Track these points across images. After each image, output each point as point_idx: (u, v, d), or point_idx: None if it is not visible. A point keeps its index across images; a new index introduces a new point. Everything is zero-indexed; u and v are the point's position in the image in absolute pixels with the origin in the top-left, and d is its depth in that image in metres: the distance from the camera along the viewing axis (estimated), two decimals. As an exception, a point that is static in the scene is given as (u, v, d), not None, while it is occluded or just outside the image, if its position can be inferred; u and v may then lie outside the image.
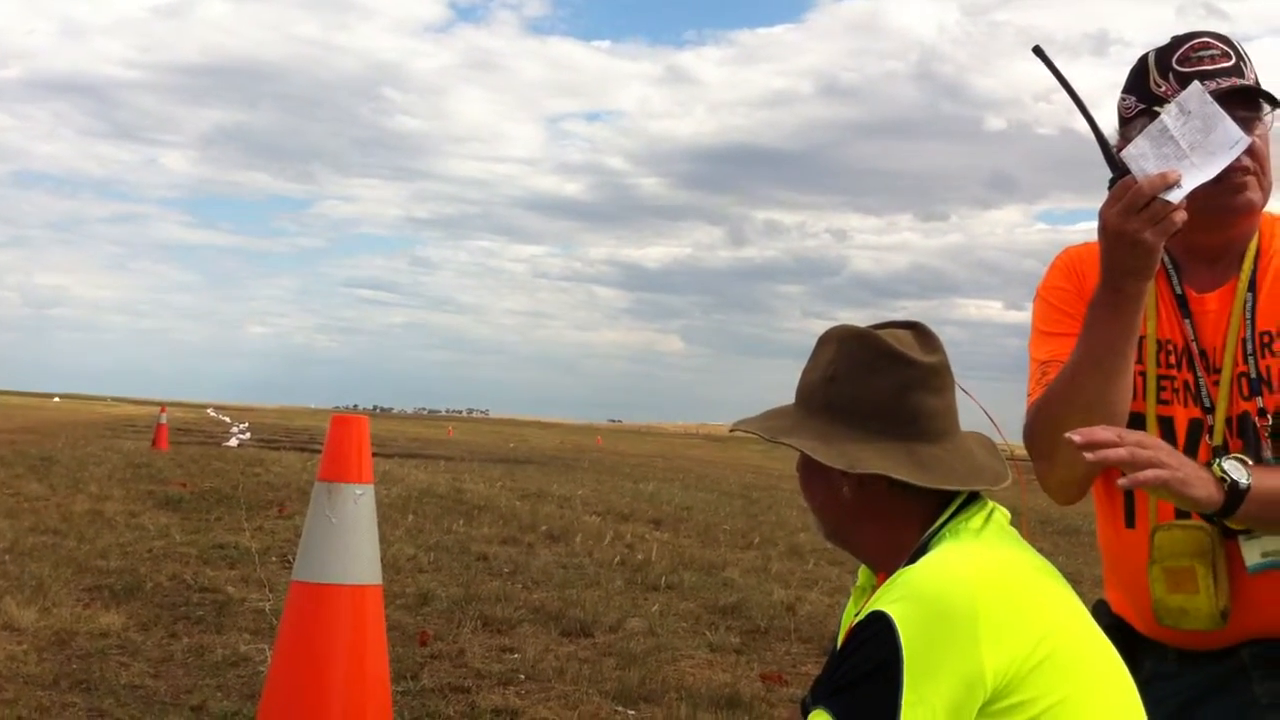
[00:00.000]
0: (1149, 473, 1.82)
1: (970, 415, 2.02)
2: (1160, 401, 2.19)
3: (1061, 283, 2.29)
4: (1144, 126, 2.05)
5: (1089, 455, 1.80)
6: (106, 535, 8.68)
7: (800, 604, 7.50)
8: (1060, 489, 2.14)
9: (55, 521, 9.29)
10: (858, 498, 1.91)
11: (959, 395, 2.00)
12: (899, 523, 1.91)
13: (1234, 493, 1.94)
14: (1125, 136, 2.11)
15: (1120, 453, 1.82)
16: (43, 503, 10.68)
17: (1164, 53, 2.15)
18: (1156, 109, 2.03)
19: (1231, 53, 2.09)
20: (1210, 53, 2.10)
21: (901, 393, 1.90)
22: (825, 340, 2.00)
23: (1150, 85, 2.15)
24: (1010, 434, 2.10)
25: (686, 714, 4.47)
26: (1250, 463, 2.03)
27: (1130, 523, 2.19)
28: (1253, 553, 2.08)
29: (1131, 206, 1.87)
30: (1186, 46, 2.12)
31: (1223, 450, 2.10)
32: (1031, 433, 2.13)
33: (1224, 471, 1.95)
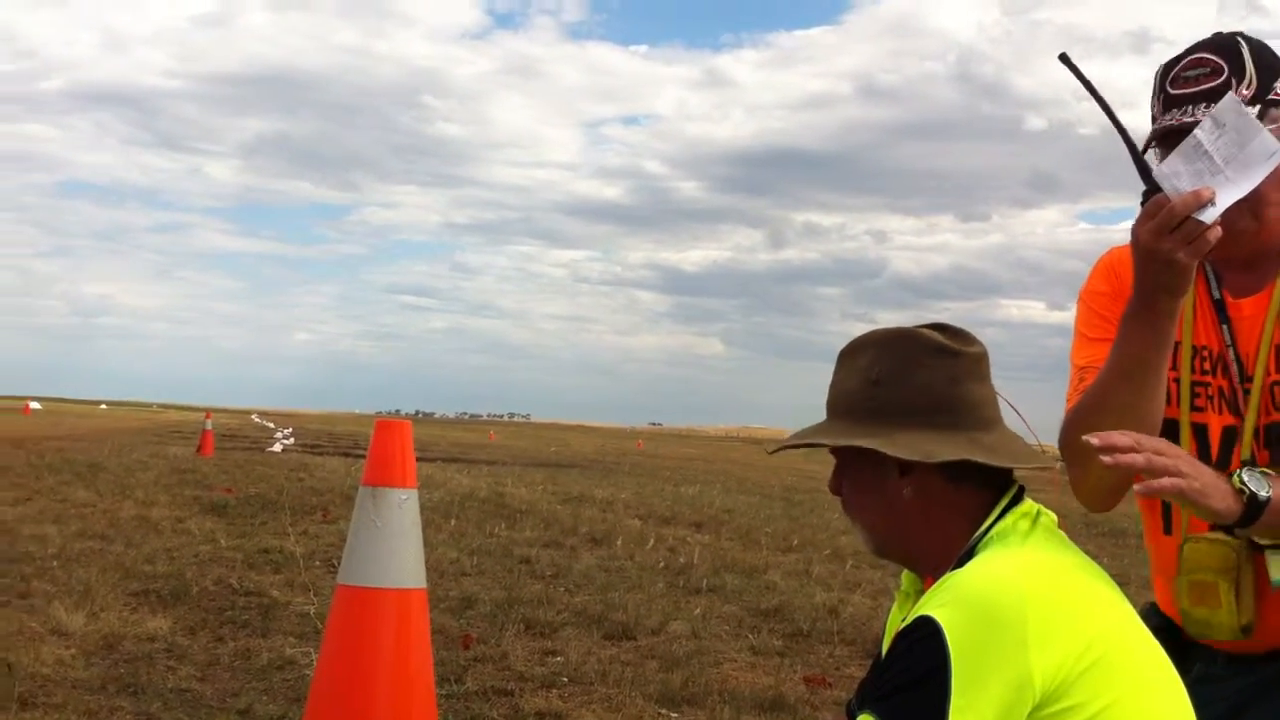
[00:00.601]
0: (1166, 481, 1.81)
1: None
2: (1194, 409, 2.17)
3: (1101, 286, 2.27)
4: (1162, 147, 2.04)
5: (1106, 460, 1.79)
6: (153, 540, 8.76)
7: (843, 607, 7.47)
8: (1093, 496, 2.12)
9: (102, 527, 9.38)
10: (917, 498, 1.90)
11: None
12: (952, 524, 1.90)
13: (1253, 504, 1.91)
14: (1156, 150, 2.09)
15: (1137, 459, 1.80)
16: (90, 509, 10.79)
17: (1165, 69, 2.12)
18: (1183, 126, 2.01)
19: (1225, 68, 2.04)
20: (1198, 72, 2.06)
21: (951, 383, 1.89)
22: (856, 348, 1.98)
23: (1150, 105, 2.14)
24: (1043, 434, 2.09)
25: (730, 716, 4.47)
26: (1273, 474, 2.01)
27: (1168, 529, 2.19)
28: (1278, 568, 2.07)
29: (1164, 226, 1.84)
30: (1180, 65, 2.09)
31: (1250, 462, 2.08)
32: (1064, 439, 2.12)
33: (1243, 483, 1.92)
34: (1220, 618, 2.10)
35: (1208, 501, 1.87)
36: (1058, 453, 2.08)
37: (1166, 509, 2.17)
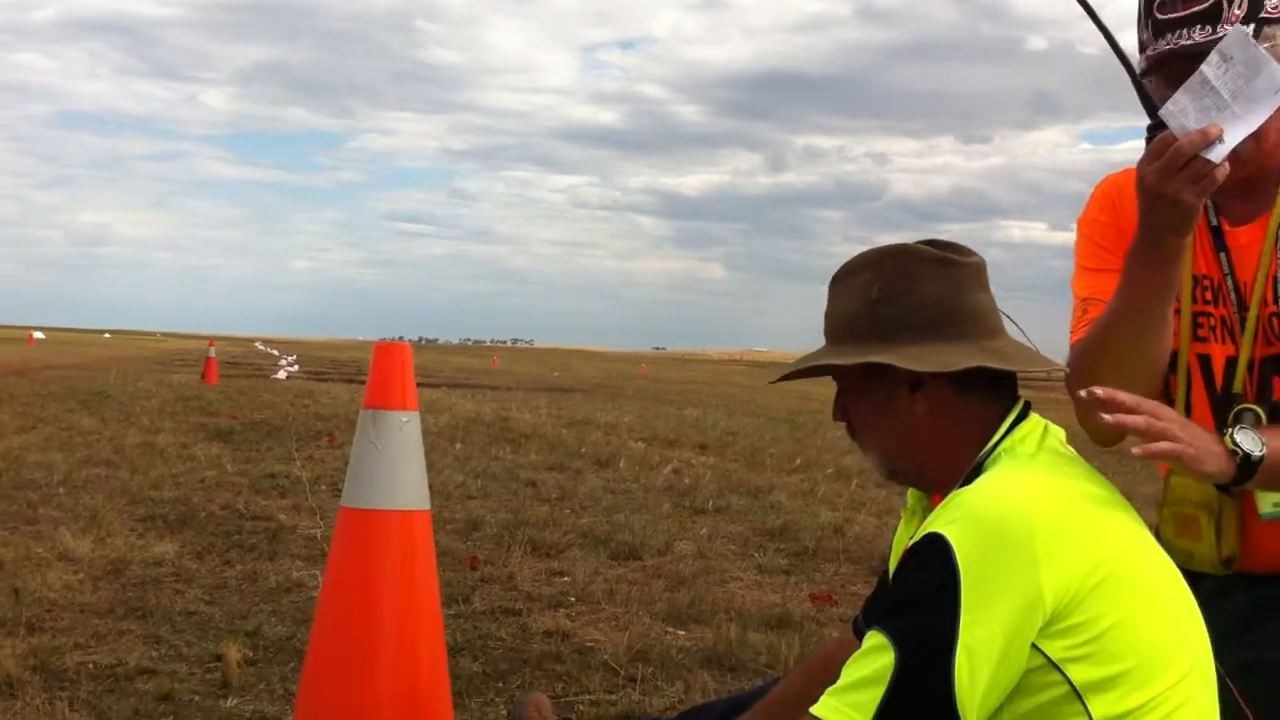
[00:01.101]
0: (1163, 444, 1.78)
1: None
2: (1196, 339, 2.13)
3: (1099, 215, 2.22)
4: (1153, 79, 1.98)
5: (1108, 417, 1.76)
6: (159, 466, 8.78)
7: (848, 525, 7.49)
8: (1099, 433, 2.10)
9: (108, 454, 9.41)
10: (930, 411, 1.87)
11: None
12: (961, 440, 1.88)
13: (1245, 465, 1.89)
14: (1148, 79, 2.03)
15: (1138, 420, 1.78)
16: (95, 436, 10.82)
17: None
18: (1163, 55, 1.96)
19: None
20: None
21: (954, 293, 1.86)
22: (850, 271, 1.95)
23: (1138, 31, 2.07)
24: (1047, 352, 2.06)
25: (736, 634, 4.48)
26: (1264, 421, 1.99)
27: None
28: (1265, 502, 2.05)
29: (1171, 165, 1.78)
30: None
31: (1240, 397, 2.05)
32: (1071, 377, 2.09)
33: (1236, 444, 1.89)
34: (1201, 550, 2.09)
35: (1200, 466, 1.84)
36: (1064, 366, 2.06)
37: None
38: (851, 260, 1.94)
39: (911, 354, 1.84)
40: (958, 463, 1.86)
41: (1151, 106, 1.87)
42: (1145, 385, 2.00)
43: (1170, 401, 2.09)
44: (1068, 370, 2.07)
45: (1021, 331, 1.97)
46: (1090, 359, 2.03)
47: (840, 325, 1.94)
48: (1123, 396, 1.78)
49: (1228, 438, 1.90)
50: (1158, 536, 2.10)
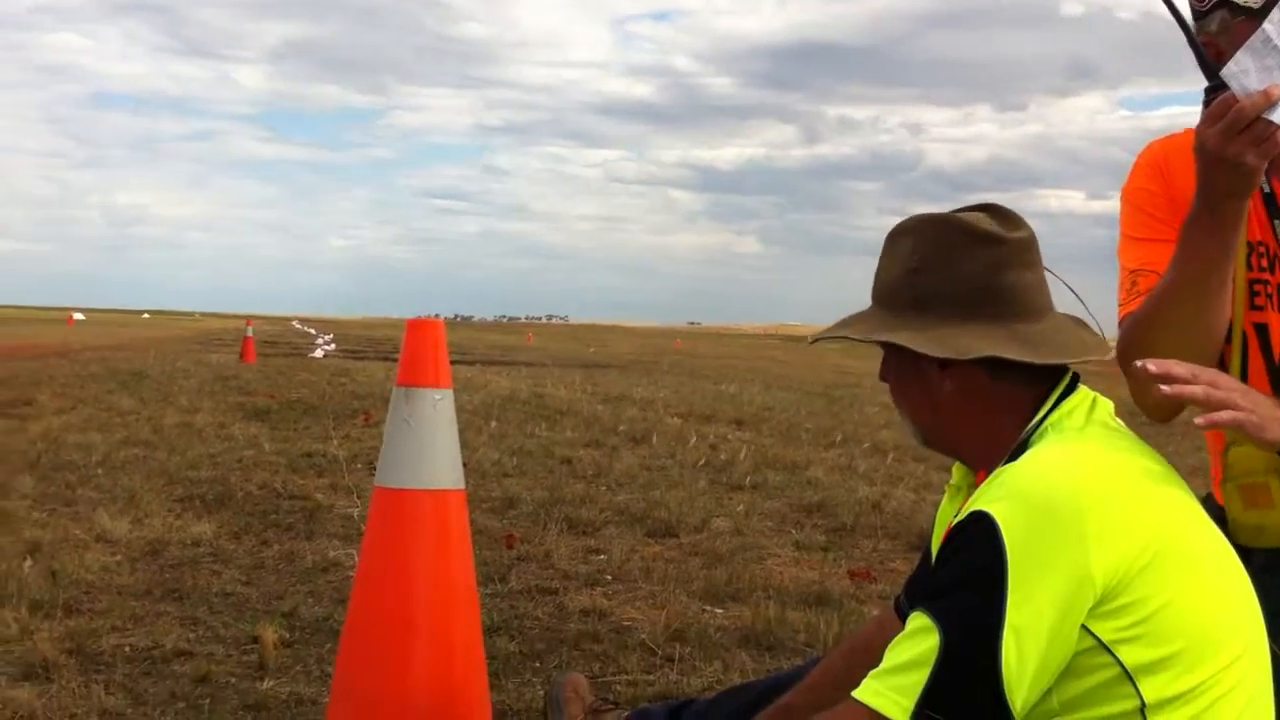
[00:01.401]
0: (1225, 414, 1.73)
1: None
2: (1253, 308, 2.06)
3: (1147, 184, 2.15)
4: (1221, 19, 1.91)
5: (1165, 389, 1.71)
6: (197, 446, 8.82)
7: (886, 500, 7.43)
8: (1155, 409, 2.04)
9: (146, 434, 9.45)
10: (959, 392, 1.83)
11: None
12: (1001, 417, 1.83)
13: None
14: (1203, 30, 1.95)
15: (1196, 390, 1.73)
16: (134, 416, 10.87)
17: None
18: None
19: None
20: None
21: (994, 272, 1.81)
22: (899, 233, 1.90)
23: None
24: (1110, 324, 2.01)
25: (775, 612, 4.44)
26: None
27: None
28: None
29: (1232, 128, 1.71)
30: None
31: None
32: (1124, 351, 2.03)
33: None
34: (1275, 518, 2.03)
35: (1264, 434, 1.79)
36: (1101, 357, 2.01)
37: None
38: (906, 220, 1.89)
39: (936, 333, 1.80)
40: (997, 441, 1.82)
41: (1210, 68, 1.81)
42: (1203, 357, 1.94)
43: (1224, 372, 2.03)
44: (1117, 346, 2.02)
45: (1084, 306, 1.92)
46: (1145, 331, 1.97)
47: (882, 290, 1.90)
48: (1178, 368, 1.73)
49: None
50: (1221, 514, 2.05)
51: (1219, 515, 2.03)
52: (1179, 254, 1.90)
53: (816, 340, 2.01)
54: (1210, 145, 1.75)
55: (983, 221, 1.83)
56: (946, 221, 1.84)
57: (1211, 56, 1.84)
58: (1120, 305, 2.10)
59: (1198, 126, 1.78)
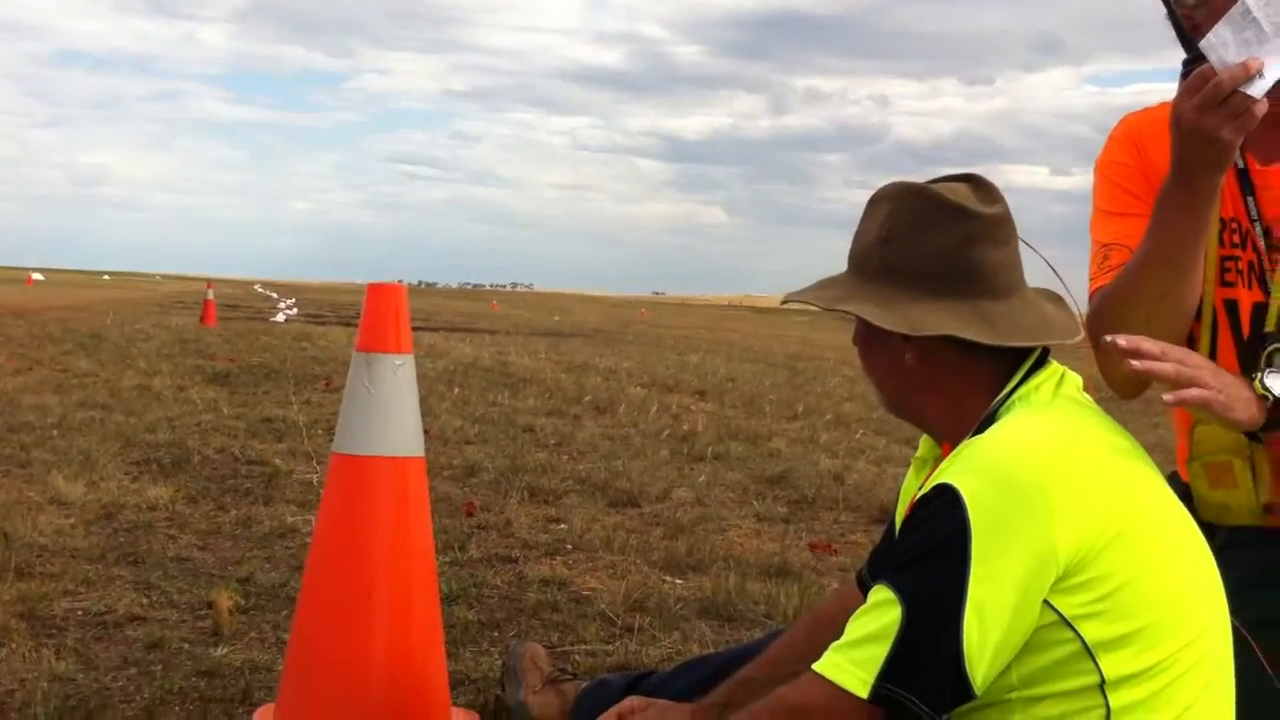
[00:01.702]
0: (1193, 392, 1.73)
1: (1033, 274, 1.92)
2: (1224, 284, 2.06)
3: (1121, 157, 2.13)
4: None
5: (1135, 364, 1.70)
6: (155, 410, 8.73)
7: (847, 473, 7.45)
8: (1123, 384, 2.03)
9: (103, 397, 9.35)
10: (923, 364, 1.82)
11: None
12: (966, 390, 1.82)
13: (1277, 409, 1.84)
14: (1181, 4, 1.94)
15: (1165, 368, 1.72)
16: (91, 378, 10.76)
17: None
18: None
19: None
20: None
21: (963, 247, 1.79)
22: (877, 199, 1.88)
23: None
24: (1077, 299, 1.99)
25: (735, 583, 4.44)
26: None
27: None
28: None
29: (1209, 101, 1.70)
30: None
31: (1275, 336, 1.99)
32: (1094, 326, 2.02)
33: (1266, 388, 1.84)
34: (1238, 498, 2.03)
35: (1230, 414, 1.80)
36: (1083, 321, 2.00)
37: None
38: (885, 187, 1.87)
39: (898, 306, 1.78)
40: (962, 414, 1.81)
41: (1188, 40, 1.79)
42: (1173, 332, 1.93)
43: (1193, 349, 2.02)
44: (1087, 320, 2.01)
45: (1061, 281, 1.91)
46: (1116, 306, 1.96)
47: (855, 255, 1.89)
48: (1148, 344, 1.72)
49: (1257, 382, 1.84)
50: (1186, 491, 2.04)
51: (1184, 493, 2.03)
52: (1152, 228, 1.89)
53: (786, 302, 2.00)
54: (1187, 118, 1.73)
55: (958, 194, 1.81)
56: (921, 192, 1.81)
57: (1190, 30, 1.82)
58: (1091, 279, 2.09)
59: (1174, 99, 1.77)
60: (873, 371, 1.92)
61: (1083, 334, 1.87)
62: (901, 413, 1.95)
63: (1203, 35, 1.72)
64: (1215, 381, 1.77)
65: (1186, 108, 1.73)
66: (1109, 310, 1.98)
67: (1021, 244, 1.85)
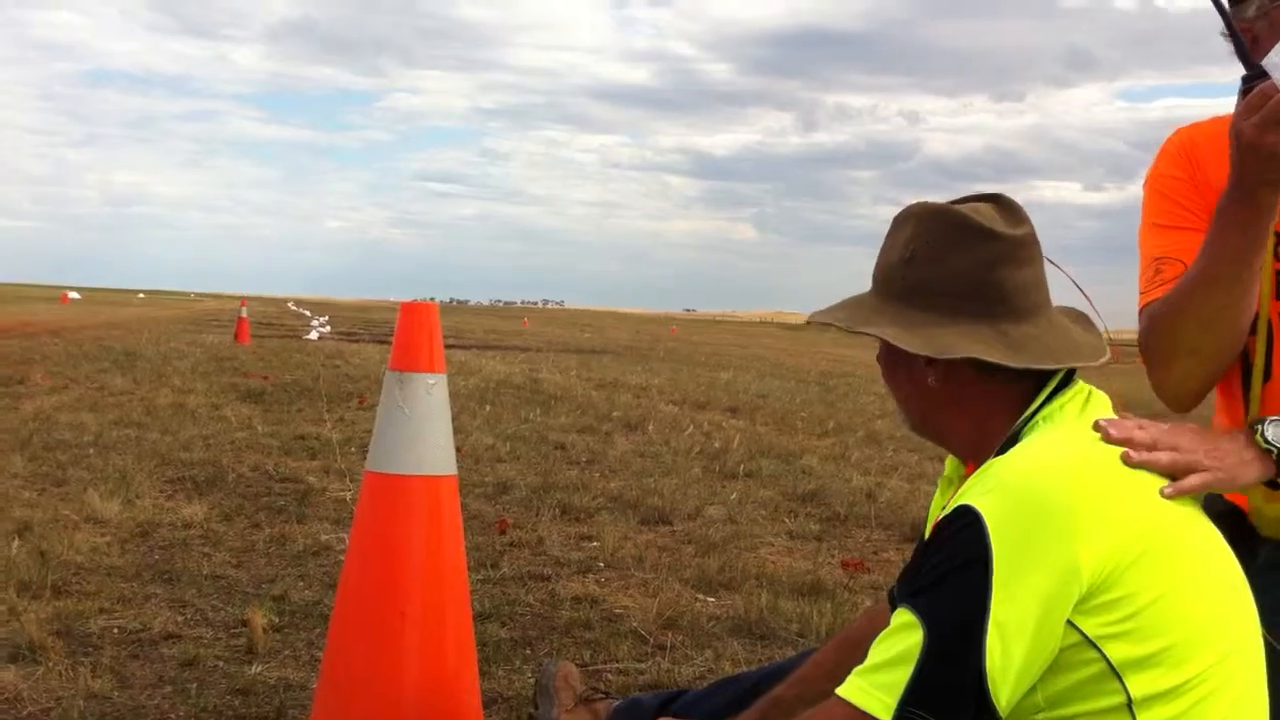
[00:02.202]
0: (1192, 480, 1.71)
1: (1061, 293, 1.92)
2: (1279, 298, 2.05)
3: (1173, 171, 2.11)
4: (1260, 4, 1.89)
5: (1134, 457, 1.69)
6: (190, 427, 8.79)
7: (880, 490, 7.43)
8: (1177, 399, 2.01)
9: (139, 415, 9.43)
10: (945, 386, 1.82)
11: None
12: (989, 410, 1.81)
13: None
14: (1240, 17, 1.94)
15: (1160, 458, 1.71)
16: (127, 396, 10.85)
17: None
18: None
19: None
20: None
21: (987, 269, 1.79)
22: (902, 219, 1.89)
23: None
24: (1106, 316, 1.99)
25: (768, 601, 4.43)
26: None
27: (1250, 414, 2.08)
28: None
29: (1271, 119, 1.68)
30: None
31: None
32: (1147, 339, 2.00)
33: (1269, 441, 1.80)
34: None
35: (1237, 484, 1.78)
36: (1118, 335, 1.99)
37: (1247, 392, 2.06)
38: (911, 206, 1.87)
39: (919, 327, 1.78)
40: (984, 434, 1.80)
41: (1247, 55, 1.79)
42: (1228, 348, 1.92)
43: (1248, 364, 2.01)
44: (1139, 335, 2.00)
45: (1089, 303, 1.90)
46: (1169, 321, 1.94)
47: (879, 275, 1.89)
48: (1139, 433, 1.71)
49: (1259, 436, 1.82)
50: (1224, 509, 2.03)
51: (1221, 510, 2.02)
52: (1209, 243, 1.87)
53: (811, 321, 2.00)
54: (1247, 135, 1.72)
55: (982, 215, 1.81)
56: (945, 213, 1.82)
57: (1248, 42, 1.82)
58: (1142, 293, 2.07)
59: (1234, 115, 1.76)
60: (896, 391, 1.92)
61: (1108, 355, 1.86)
62: (925, 433, 1.95)
63: (1262, 49, 1.72)
64: (1212, 461, 1.75)
65: (1246, 125, 1.72)
66: (1163, 325, 1.96)
67: (1047, 263, 1.86)
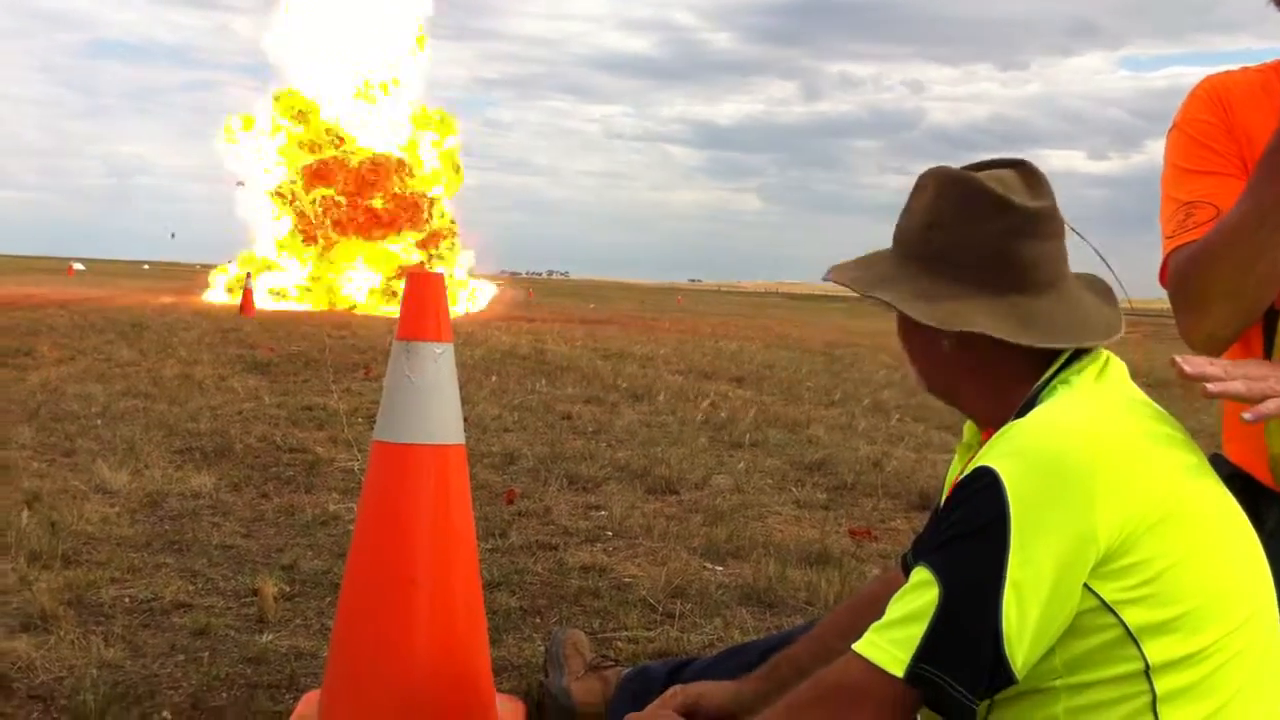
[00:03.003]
0: (1270, 404, 1.70)
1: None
2: None
3: (1205, 115, 2.09)
4: None
5: (1211, 388, 1.69)
6: (197, 398, 8.81)
7: (886, 460, 7.43)
8: (1207, 342, 2.00)
9: (146, 386, 9.44)
10: (959, 352, 1.82)
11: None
12: (1004, 377, 1.81)
13: None
14: None
15: (1235, 385, 1.71)
16: (133, 368, 10.86)
17: None
18: None
19: None
20: None
21: (1004, 240, 1.78)
22: (924, 182, 1.87)
23: None
24: (1127, 285, 1.97)
25: (775, 570, 4.44)
26: None
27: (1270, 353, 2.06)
28: None
29: None
30: None
31: None
32: (1181, 283, 1.98)
33: None
34: None
35: None
36: (1140, 305, 1.97)
37: (1269, 346, 2.05)
38: (933, 170, 1.86)
39: (933, 296, 1.78)
40: (1000, 400, 1.80)
41: None
42: (1267, 291, 1.91)
43: (1272, 310, 2.00)
44: (1171, 278, 1.99)
45: (1113, 274, 1.89)
46: (1207, 264, 1.93)
47: (901, 237, 1.89)
48: (1211, 367, 1.71)
49: None
50: (1232, 471, 2.03)
51: (1229, 473, 2.01)
52: (1252, 187, 1.86)
53: (828, 278, 1.99)
54: None
55: (1004, 184, 1.79)
56: (966, 181, 1.80)
57: None
58: (1169, 238, 2.05)
59: None
60: (911, 354, 1.92)
61: (1121, 332, 1.84)
62: (940, 396, 1.95)
63: None
64: None
65: None
66: (1200, 268, 1.95)
67: (1074, 234, 1.84)
